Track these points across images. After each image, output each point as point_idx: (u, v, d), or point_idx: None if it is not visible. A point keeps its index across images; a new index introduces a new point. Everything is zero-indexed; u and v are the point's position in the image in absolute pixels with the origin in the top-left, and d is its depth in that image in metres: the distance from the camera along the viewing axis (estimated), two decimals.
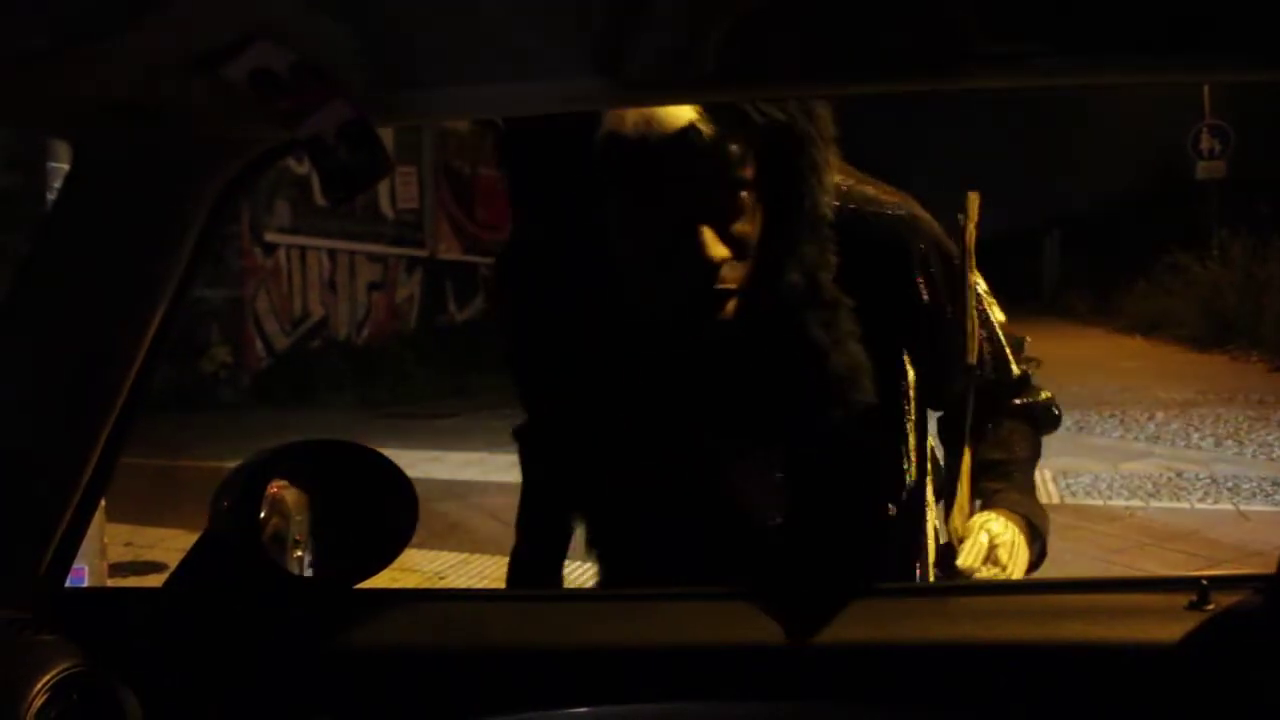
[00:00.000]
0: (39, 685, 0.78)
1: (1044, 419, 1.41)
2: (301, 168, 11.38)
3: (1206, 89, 14.90)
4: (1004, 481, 1.33)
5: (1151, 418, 8.19)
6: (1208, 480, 5.99)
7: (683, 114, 1.06)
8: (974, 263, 1.26)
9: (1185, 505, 5.48)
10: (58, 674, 0.80)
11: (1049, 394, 1.42)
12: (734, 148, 1.09)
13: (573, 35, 0.74)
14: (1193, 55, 0.75)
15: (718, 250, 1.11)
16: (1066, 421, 1.66)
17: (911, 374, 1.30)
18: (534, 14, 0.72)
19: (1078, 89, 0.91)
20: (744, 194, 1.12)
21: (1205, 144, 16.42)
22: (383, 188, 13.24)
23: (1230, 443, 7.17)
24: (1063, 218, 32.53)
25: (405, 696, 0.94)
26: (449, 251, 15.34)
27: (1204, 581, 0.91)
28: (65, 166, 3.18)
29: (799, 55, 0.77)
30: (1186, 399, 8.97)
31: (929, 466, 1.39)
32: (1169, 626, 0.88)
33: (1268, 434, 7.47)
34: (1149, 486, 5.90)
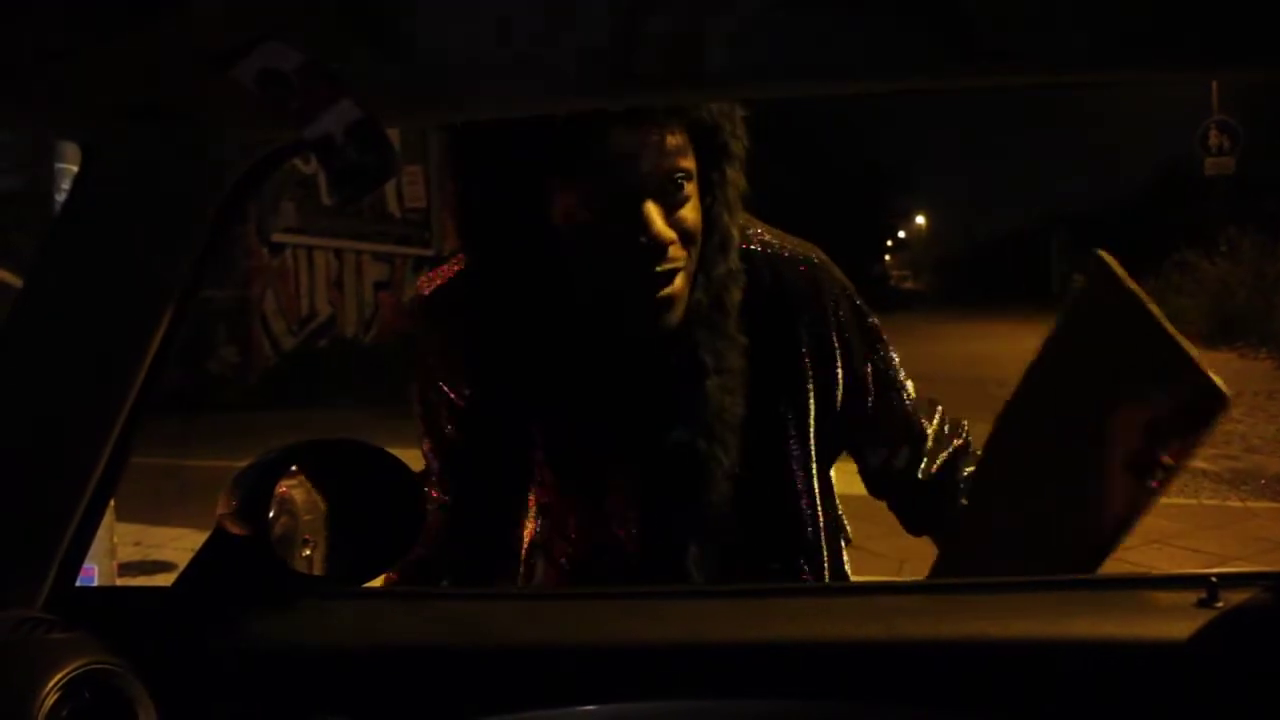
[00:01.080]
0: (51, 683, 0.79)
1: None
2: (308, 167, 11.40)
3: (1215, 85, 14.87)
4: None
5: None
6: (1216, 477, 5.98)
7: None
8: None
9: (1193, 502, 5.47)
10: (70, 672, 0.80)
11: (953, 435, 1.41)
12: (676, 135, 1.12)
13: (577, 34, 0.74)
14: (1199, 52, 0.75)
15: (664, 230, 1.12)
16: None
17: (810, 424, 1.30)
18: (538, 14, 0.72)
19: (1084, 87, 0.91)
20: (688, 184, 1.15)
21: (1214, 140, 16.37)
22: (389, 187, 13.26)
23: (1238, 439, 7.16)
24: (1069, 214, 32.51)
25: (412, 694, 0.94)
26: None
27: (1213, 579, 0.91)
28: (72, 168, 3.19)
29: (802, 54, 0.77)
30: None
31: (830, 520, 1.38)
32: (1178, 624, 0.88)
33: (1276, 431, 7.45)
34: None
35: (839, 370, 1.30)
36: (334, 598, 1.03)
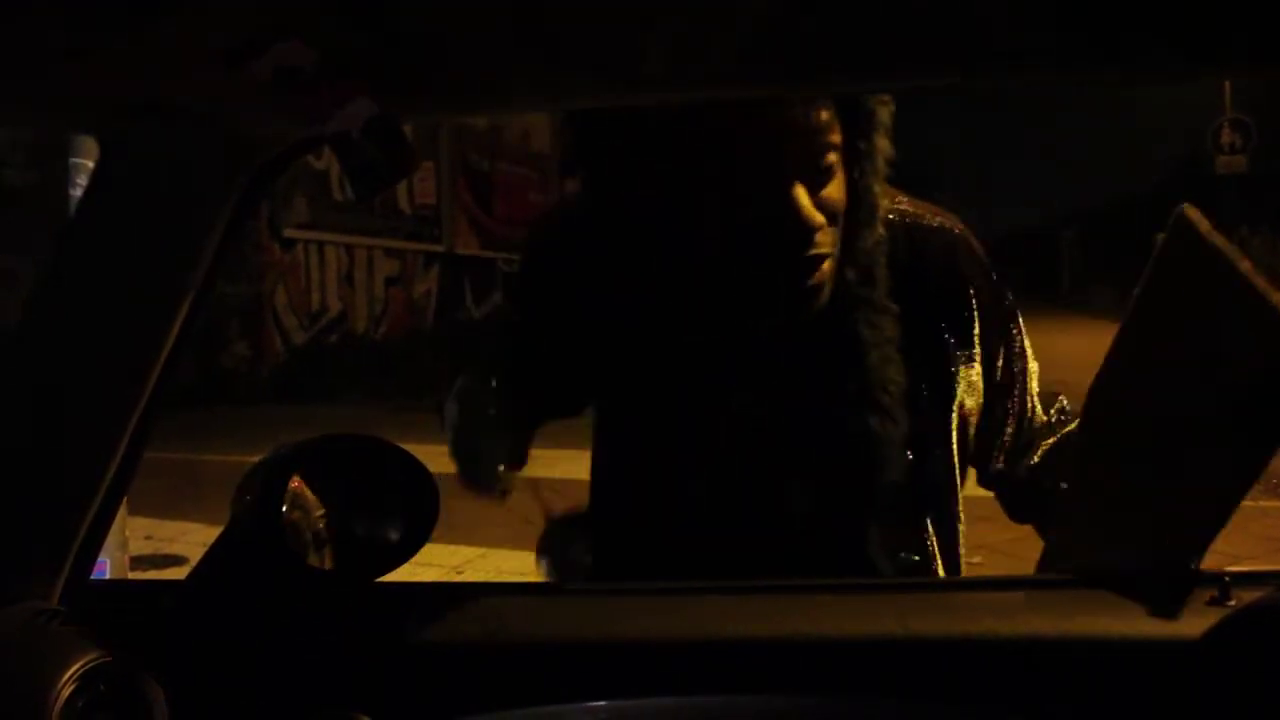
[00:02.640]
0: (67, 675, 0.79)
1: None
2: (319, 163, 11.43)
3: (1227, 84, 14.79)
4: None
5: None
6: None
7: None
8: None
9: None
10: (85, 664, 0.81)
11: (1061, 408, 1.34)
12: (825, 110, 1.08)
13: (588, 32, 0.74)
14: (1209, 51, 0.75)
15: (815, 215, 1.08)
16: None
17: (962, 398, 1.24)
18: (550, 10, 0.72)
19: (1095, 84, 0.91)
20: (832, 157, 1.10)
21: (1226, 139, 16.30)
22: (400, 184, 13.28)
23: None
24: (1080, 212, 32.40)
25: (425, 689, 0.95)
26: (466, 247, 15.38)
27: (1226, 578, 0.91)
28: (86, 162, 3.20)
29: (815, 52, 0.77)
30: None
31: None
32: (1191, 622, 0.88)
33: None
34: None
35: (975, 348, 1.24)
36: (347, 593, 1.03)
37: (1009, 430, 1.30)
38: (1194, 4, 0.70)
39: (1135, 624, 0.89)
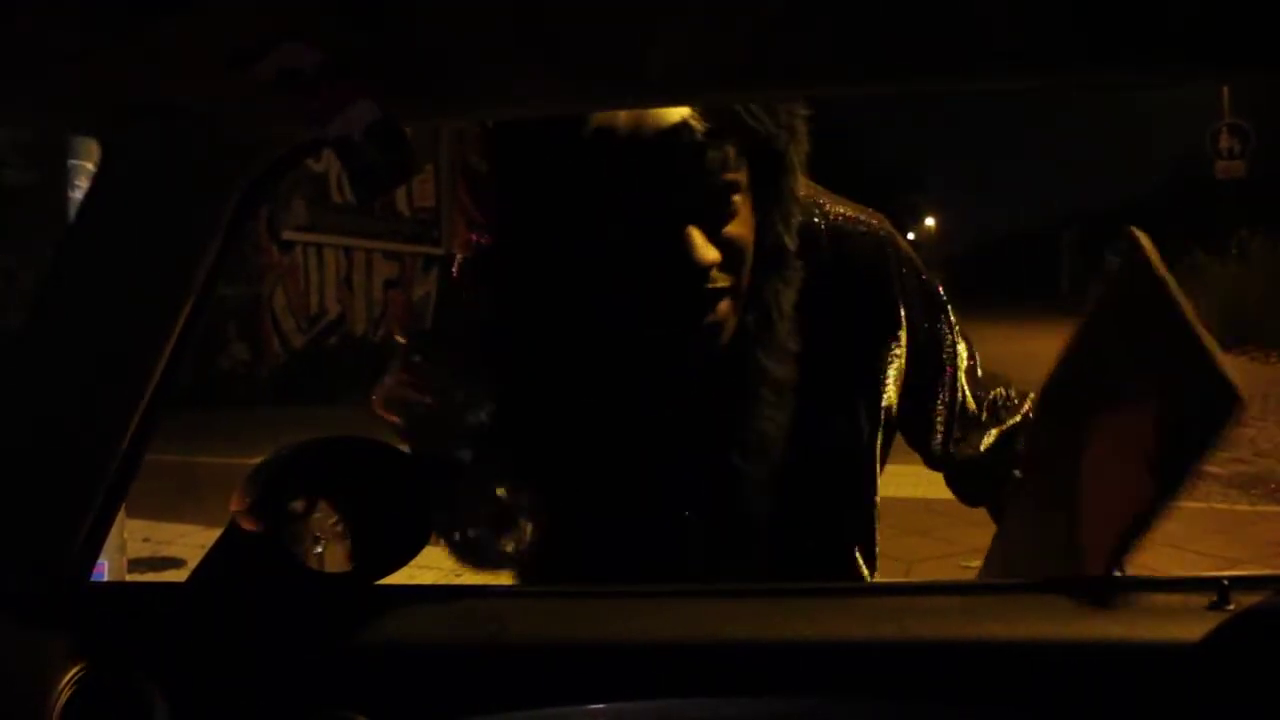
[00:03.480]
0: (66, 679, 0.79)
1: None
2: (318, 165, 11.43)
3: (1226, 88, 14.81)
4: None
5: None
6: (1226, 481, 5.96)
7: (674, 112, 1.04)
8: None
9: (1204, 506, 5.45)
10: (85, 667, 0.81)
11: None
12: (727, 149, 1.07)
13: (589, 34, 0.75)
14: (1207, 54, 0.75)
15: (708, 252, 1.08)
16: None
17: (890, 392, 1.28)
18: (551, 13, 0.72)
19: (1095, 87, 0.91)
20: (736, 197, 1.10)
21: (1225, 143, 16.32)
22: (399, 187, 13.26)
23: (1248, 444, 7.13)
24: (1079, 215, 32.42)
25: (424, 691, 0.95)
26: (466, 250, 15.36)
27: (1224, 582, 0.91)
28: (86, 164, 3.20)
29: (816, 55, 0.77)
30: None
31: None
32: (1189, 627, 0.88)
33: None
34: None
35: (903, 344, 1.26)
36: (345, 595, 1.03)
37: (939, 419, 1.34)
38: (1194, 5, 0.70)
39: (1133, 628, 0.89)
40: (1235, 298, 14.35)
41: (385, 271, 13.95)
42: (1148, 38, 0.73)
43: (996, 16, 0.72)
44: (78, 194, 3.24)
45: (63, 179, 3.48)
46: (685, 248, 1.07)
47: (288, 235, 12.16)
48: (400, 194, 13.81)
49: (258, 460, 1.02)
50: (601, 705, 0.91)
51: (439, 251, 14.71)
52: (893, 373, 1.27)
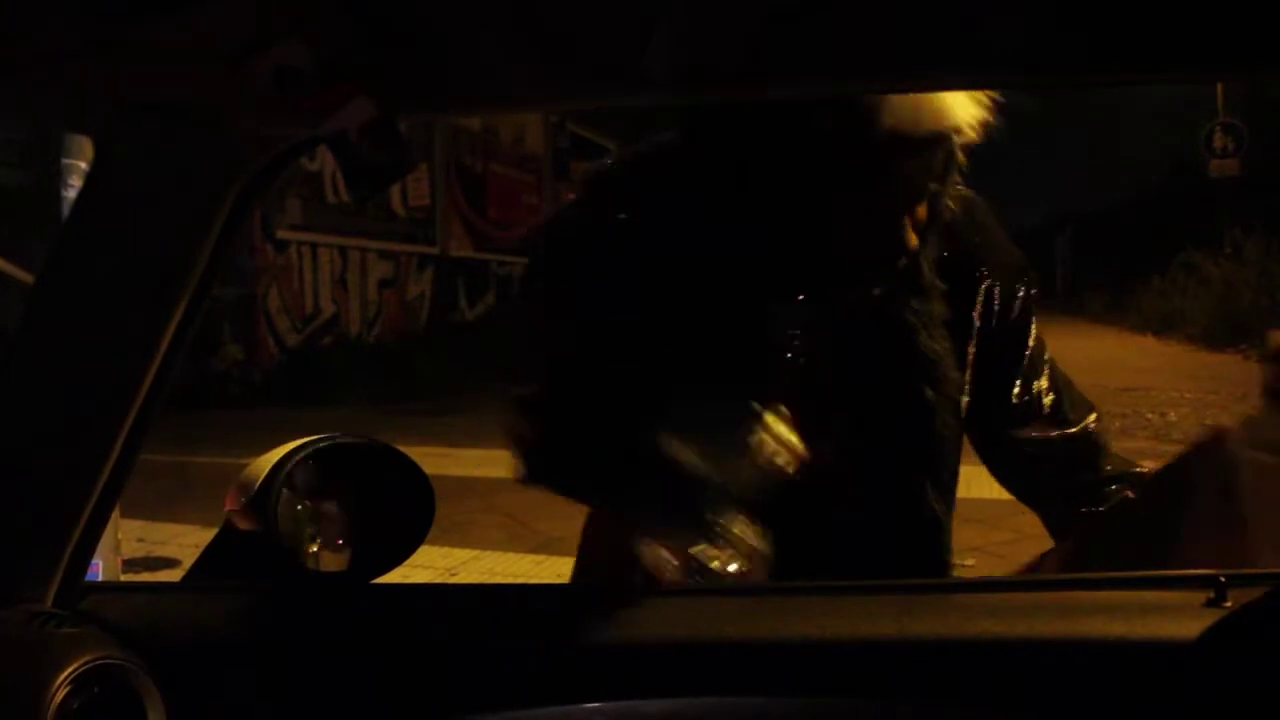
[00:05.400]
0: (62, 677, 0.79)
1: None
2: (313, 164, 11.42)
3: (1220, 87, 14.85)
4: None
5: (1164, 416, 8.16)
6: None
7: (958, 112, 1.12)
8: None
9: None
10: (80, 667, 0.81)
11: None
12: (948, 147, 1.16)
13: (588, 32, 0.74)
14: (1204, 54, 0.75)
15: (912, 239, 1.17)
16: None
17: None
18: (550, 10, 0.72)
19: (1094, 86, 0.91)
20: (932, 185, 1.18)
21: (1219, 142, 16.35)
22: (394, 186, 13.26)
23: None
24: (1074, 215, 32.46)
25: (419, 690, 0.95)
26: (460, 249, 15.38)
27: (1222, 579, 0.91)
28: (79, 163, 3.19)
29: (816, 54, 0.77)
30: (1199, 398, 8.90)
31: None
32: (1187, 623, 0.88)
33: None
34: None
35: (995, 304, 1.32)
36: (341, 594, 1.03)
37: (1015, 389, 1.36)
38: (1193, 6, 0.70)
39: (1132, 625, 0.89)
40: (1229, 297, 14.39)
41: (380, 271, 13.93)
42: (1146, 37, 0.73)
43: (994, 16, 0.72)
44: (71, 194, 3.23)
45: (56, 178, 3.48)
46: (901, 235, 1.17)
47: (282, 234, 12.14)
48: (395, 193, 13.79)
49: (252, 460, 1.02)
50: (599, 704, 0.91)
51: (434, 251, 14.71)
52: (978, 319, 1.32)
